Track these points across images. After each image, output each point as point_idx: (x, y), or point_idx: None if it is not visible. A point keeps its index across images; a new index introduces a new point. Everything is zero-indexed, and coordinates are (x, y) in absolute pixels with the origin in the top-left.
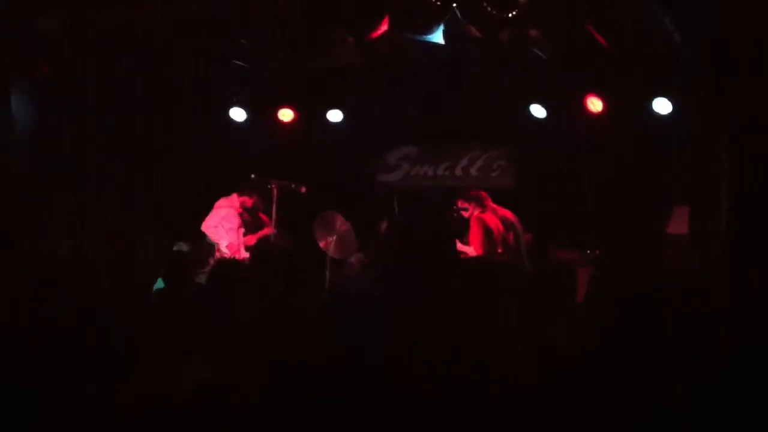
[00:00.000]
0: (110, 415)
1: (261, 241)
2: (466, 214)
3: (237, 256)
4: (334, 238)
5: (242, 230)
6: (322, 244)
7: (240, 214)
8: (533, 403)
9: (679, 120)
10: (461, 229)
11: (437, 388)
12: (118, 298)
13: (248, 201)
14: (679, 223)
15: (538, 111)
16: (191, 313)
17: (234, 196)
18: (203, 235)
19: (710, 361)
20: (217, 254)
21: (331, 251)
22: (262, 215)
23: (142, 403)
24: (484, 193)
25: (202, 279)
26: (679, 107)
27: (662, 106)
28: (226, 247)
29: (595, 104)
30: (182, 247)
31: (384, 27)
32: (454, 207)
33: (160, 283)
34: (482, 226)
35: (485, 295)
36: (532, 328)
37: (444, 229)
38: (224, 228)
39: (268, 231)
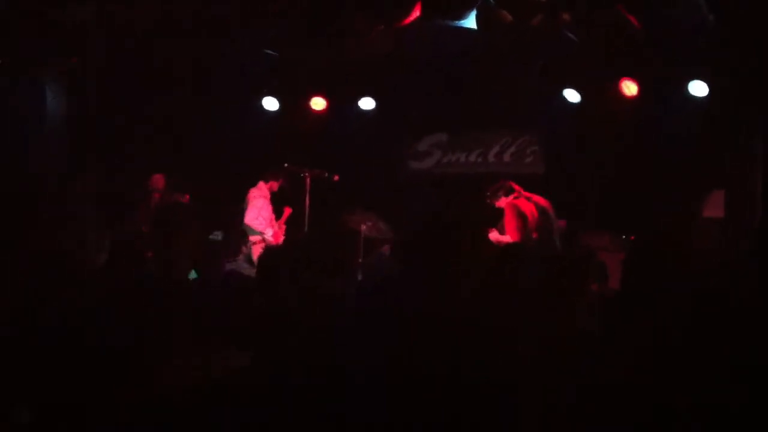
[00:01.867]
0: (141, 405)
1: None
2: (497, 203)
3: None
4: (370, 223)
5: (274, 216)
6: (363, 228)
7: (270, 201)
8: (551, 395)
9: (715, 103)
10: (495, 217)
11: (452, 379)
12: (154, 288)
13: (275, 185)
14: (715, 207)
15: (571, 95)
16: (222, 301)
17: (261, 184)
18: (236, 224)
19: (746, 349)
20: (257, 243)
21: (374, 232)
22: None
23: (175, 391)
24: (512, 183)
25: (234, 266)
26: (715, 90)
27: (698, 88)
28: (271, 236)
29: (629, 88)
30: (217, 236)
31: (416, 13)
32: (487, 194)
33: (194, 273)
34: (516, 212)
35: (510, 283)
36: (552, 315)
37: (472, 216)
38: (264, 218)
39: (288, 211)
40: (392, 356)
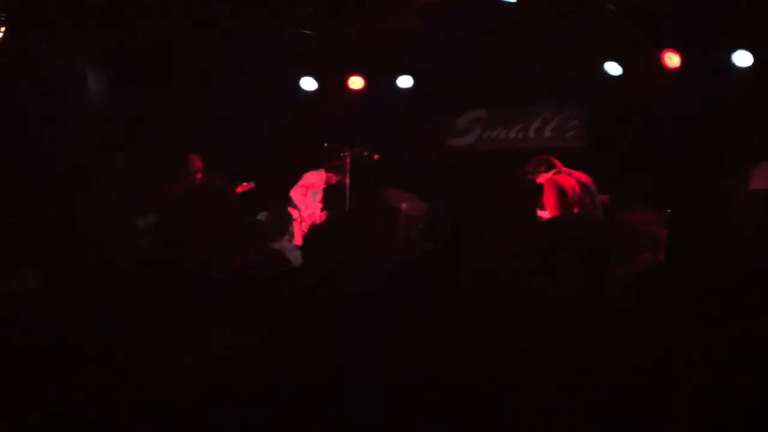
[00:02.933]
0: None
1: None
2: (537, 179)
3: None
4: (408, 203)
5: (321, 204)
6: (403, 206)
7: (324, 190)
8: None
9: (761, 72)
10: (537, 193)
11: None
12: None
13: (333, 178)
14: (760, 179)
15: (612, 68)
16: (253, 285)
17: (322, 172)
18: (283, 204)
19: None
20: (296, 222)
21: (411, 210)
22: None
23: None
24: (553, 158)
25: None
26: (761, 59)
27: (743, 59)
28: (307, 216)
29: (672, 59)
30: (263, 216)
31: None
32: (528, 170)
33: None
34: (556, 187)
35: (553, 258)
36: (592, 291)
37: (517, 191)
38: (310, 198)
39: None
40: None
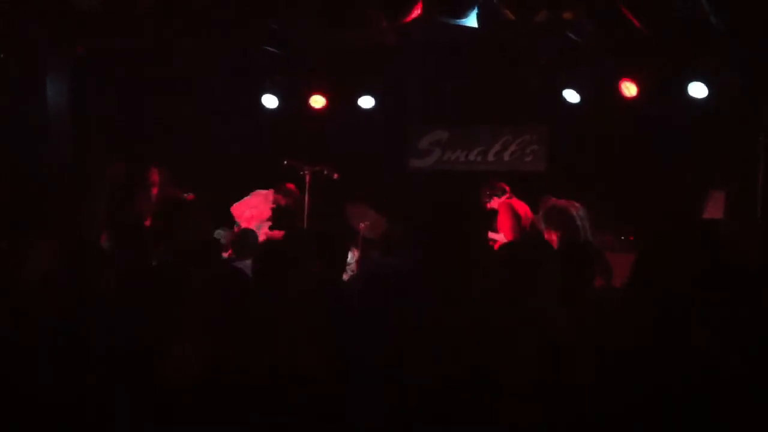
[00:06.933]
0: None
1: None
2: (489, 204)
3: None
4: (368, 222)
5: (269, 223)
6: (360, 227)
7: (271, 209)
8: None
9: (715, 104)
10: (490, 217)
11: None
12: (160, 278)
13: (282, 200)
14: (714, 209)
15: (571, 95)
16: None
17: (270, 192)
18: (234, 222)
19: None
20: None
21: (368, 233)
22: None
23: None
24: (504, 184)
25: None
26: (715, 91)
27: (698, 90)
28: (261, 232)
29: (629, 88)
30: (220, 234)
31: (417, 10)
32: (487, 192)
33: None
34: (510, 211)
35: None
36: (551, 311)
37: (475, 214)
38: (252, 216)
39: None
40: (383, 357)
